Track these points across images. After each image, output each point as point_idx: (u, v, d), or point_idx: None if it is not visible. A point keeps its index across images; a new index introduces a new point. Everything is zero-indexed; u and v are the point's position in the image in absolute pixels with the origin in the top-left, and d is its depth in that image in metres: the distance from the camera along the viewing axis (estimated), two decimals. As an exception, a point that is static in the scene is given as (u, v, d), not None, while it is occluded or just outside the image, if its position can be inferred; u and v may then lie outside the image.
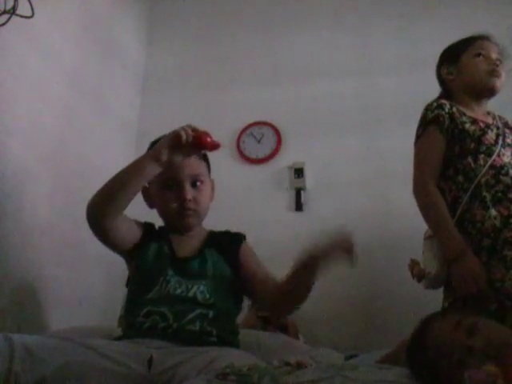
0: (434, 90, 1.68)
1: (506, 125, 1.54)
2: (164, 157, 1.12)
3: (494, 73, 1.50)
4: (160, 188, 1.28)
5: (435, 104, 1.50)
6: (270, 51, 2.62)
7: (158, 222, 1.35)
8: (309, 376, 0.90)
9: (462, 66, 1.57)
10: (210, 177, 1.36)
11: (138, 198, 1.25)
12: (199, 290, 1.18)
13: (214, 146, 1.13)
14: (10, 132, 1.58)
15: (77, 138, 1.99)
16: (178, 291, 1.17)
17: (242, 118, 2.49)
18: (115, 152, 2.33)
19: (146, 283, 1.20)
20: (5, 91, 1.57)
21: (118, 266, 2.28)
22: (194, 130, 1.13)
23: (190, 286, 1.18)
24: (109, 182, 1.14)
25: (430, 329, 0.90)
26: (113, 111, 2.32)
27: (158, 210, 1.33)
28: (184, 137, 1.11)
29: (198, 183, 1.29)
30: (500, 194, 1.37)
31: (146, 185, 1.30)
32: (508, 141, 1.48)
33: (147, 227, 1.32)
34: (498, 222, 1.33)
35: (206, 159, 1.35)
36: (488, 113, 1.57)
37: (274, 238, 2.15)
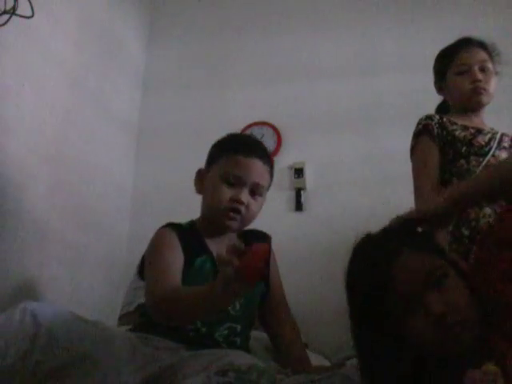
0: (434, 90, 1.68)
1: (505, 135, 1.54)
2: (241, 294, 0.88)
3: (476, 90, 1.51)
4: (220, 180, 1.22)
5: (424, 117, 1.54)
6: (270, 51, 2.61)
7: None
8: (308, 376, 0.90)
9: (447, 85, 1.59)
10: (267, 190, 1.31)
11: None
12: (226, 324, 1.16)
13: (266, 258, 0.82)
14: (10, 132, 1.58)
15: (77, 137, 1.99)
16: (208, 324, 1.14)
17: (242, 118, 2.48)
18: (116, 152, 2.33)
19: None
20: (5, 91, 1.57)
21: (118, 267, 2.29)
22: (231, 260, 0.80)
23: (219, 319, 1.16)
24: (178, 305, 0.99)
25: (396, 257, 0.80)
26: (113, 111, 2.32)
27: (205, 198, 1.28)
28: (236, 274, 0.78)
29: (257, 195, 1.25)
30: None
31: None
32: (504, 144, 1.49)
33: (180, 237, 1.20)
34: (491, 220, 1.34)
35: (272, 177, 1.32)
36: (492, 129, 1.58)
37: (273, 237, 2.13)
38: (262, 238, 1.34)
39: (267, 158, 1.28)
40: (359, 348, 0.83)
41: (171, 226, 1.25)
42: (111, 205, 2.25)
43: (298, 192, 2.30)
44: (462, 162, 1.44)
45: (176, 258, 1.16)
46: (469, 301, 0.78)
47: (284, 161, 2.38)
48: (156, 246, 1.20)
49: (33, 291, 1.63)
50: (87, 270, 1.95)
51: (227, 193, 1.21)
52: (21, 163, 1.63)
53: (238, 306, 1.18)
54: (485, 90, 1.51)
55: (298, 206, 2.29)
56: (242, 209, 1.21)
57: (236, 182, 1.21)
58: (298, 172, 2.31)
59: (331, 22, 2.59)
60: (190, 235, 1.24)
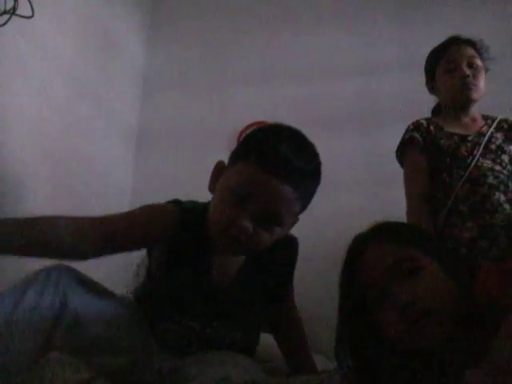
0: (433, 90, 1.68)
1: (500, 129, 1.53)
2: None
3: (464, 87, 1.51)
4: (228, 190, 0.95)
5: (411, 126, 1.54)
6: (270, 51, 2.61)
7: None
8: (305, 380, 0.90)
9: (437, 84, 1.61)
10: (297, 215, 1.02)
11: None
12: (226, 334, 1.09)
13: None
14: (10, 132, 1.58)
15: (77, 138, 1.98)
16: (207, 331, 1.07)
17: (242, 118, 2.48)
18: (115, 152, 2.33)
19: (172, 306, 1.07)
20: (5, 91, 1.57)
21: (117, 267, 2.28)
22: None
23: (218, 327, 1.08)
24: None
25: (364, 250, 0.82)
26: (113, 111, 2.32)
27: (212, 204, 1.01)
28: None
29: (272, 225, 0.95)
30: (477, 205, 1.38)
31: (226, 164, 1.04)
32: (492, 146, 1.47)
33: (183, 230, 1.02)
34: (474, 233, 1.35)
35: (305, 204, 1.01)
36: (486, 118, 1.57)
37: (273, 238, 2.14)
38: (286, 248, 1.10)
39: (300, 181, 0.96)
40: (348, 343, 0.83)
41: (185, 213, 1.03)
42: (111, 205, 2.25)
43: (298, 192, 2.30)
44: (445, 175, 1.44)
45: (141, 240, 1.01)
46: (445, 295, 0.76)
47: (284, 161, 2.38)
48: (147, 217, 1.01)
49: (33, 291, 1.63)
50: (86, 270, 1.95)
51: (230, 211, 0.93)
52: (21, 163, 1.62)
53: (229, 337, 1.10)
54: (474, 85, 1.51)
55: (298, 206, 2.29)
56: (244, 238, 0.92)
57: (247, 200, 0.92)
58: (298, 172, 2.31)
59: (331, 22, 2.59)
60: (197, 233, 1.01)
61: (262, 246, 0.96)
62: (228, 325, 1.10)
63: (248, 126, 2.48)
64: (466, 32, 1.62)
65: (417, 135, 1.50)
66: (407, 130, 1.55)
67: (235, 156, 1.01)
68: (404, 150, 1.55)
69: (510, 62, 2.05)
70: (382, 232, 0.86)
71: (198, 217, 1.02)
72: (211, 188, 1.04)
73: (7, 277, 1.53)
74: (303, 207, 1.01)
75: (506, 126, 1.54)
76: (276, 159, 0.92)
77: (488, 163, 1.43)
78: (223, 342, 1.09)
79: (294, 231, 2.21)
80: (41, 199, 1.72)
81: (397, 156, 1.59)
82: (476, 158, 1.43)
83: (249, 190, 0.92)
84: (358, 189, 2.24)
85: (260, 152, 0.93)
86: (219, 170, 1.04)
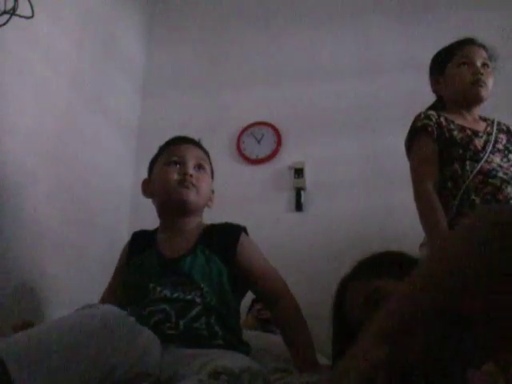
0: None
1: (501, 131, 1.55)
2: None
3: (478, 82, 1.50)
4: (164, 165, 1.31)
5: (423, 115, 1.52)
6: (270, 51, 2.62)
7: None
8: (302, 379, 0.90)
9: (447, 77, 1.58)
10: (211, 179, 1.38)
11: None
12: (196, 294, 1.15)
13: None
14: (10, 132, 1.58)
15: (77, 138, 1.99)
16: (175, 295, 1.14)
17: (242, 118, 2.49)
18: (115, 152, 2.34)
19: (139, 294, 1.18)
20: (5, 91, 1.57)
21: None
22: None
23: (187, 292, 1.15)
24: None
25: (349, 289, 0.87)
26: (113, 111, 2.32)
27: (156, 190, 1.32)
28: None
29: (201, 170, 1.32)
30: (489, 197, 1.38)
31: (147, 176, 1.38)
32: (499, 146, 1.48)
33: (131, 244, 1.35)
34: None
35: (209, 161, 1.39)
36: (485, 119, 1.58)
37: (273, 237, 2.14)
38: (232, 231, 1.28)
39: (197, 143, 1.40)
40: None
41: (132, 235, 1.38)
42: (111, 205, 2.25)
43: (298, 192, 2.30)
44: (456, 166, 1.43)
45: (113, 279, 1.41)
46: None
47: (284, 161, 2.38)
48: None
49: (32, 291, 1.63)
50: (87, 269, 1.95)
51: (173, 171, 1.29)
52: (21, 163, 1.62)
53: (208, 298, 1.15)
54: (485, 83, 1.51)
55: (298, 206, 2.29)
56: (192, 179, 1.28)
57: (179, 161, 1.30)
58: (298, 172, 2.31)
59: (331, 22, 2.59)
60: (143, 236, 1.35)
61: (204, 187, 1.31)
62: (193, 287, 1.16)
63: (248, 126, 2.48)
64: (465, 32, 1.62)
65: (431, 123, 1.49)
66: (418, 119, 1.52)
67: (151, 166, 1.38)
68: (415, 138, 1.51)
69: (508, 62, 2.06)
70: (359, 269, 0.89)
71: (147, 231, 1.38)
72: (149, 194, 1.36)
73: (7, 277, 1.53)
74: (211, 171, 1.38)
75: (505, 128, 1.56)
76: (178, 138, 1.41)
77: (497, 160, 1.44)
78: (194, 304, 1.13)
79: (295, 231, 2.22)
80: (41, 199, 1.72)
81: (406, 147, 1.57)
82: (487, 154, 1.44)
83: (178, 155, 1.31)
84: (358, 188, 2.24)
85: (167, 142, 1.39)
86: (147, 182, 1.38)
